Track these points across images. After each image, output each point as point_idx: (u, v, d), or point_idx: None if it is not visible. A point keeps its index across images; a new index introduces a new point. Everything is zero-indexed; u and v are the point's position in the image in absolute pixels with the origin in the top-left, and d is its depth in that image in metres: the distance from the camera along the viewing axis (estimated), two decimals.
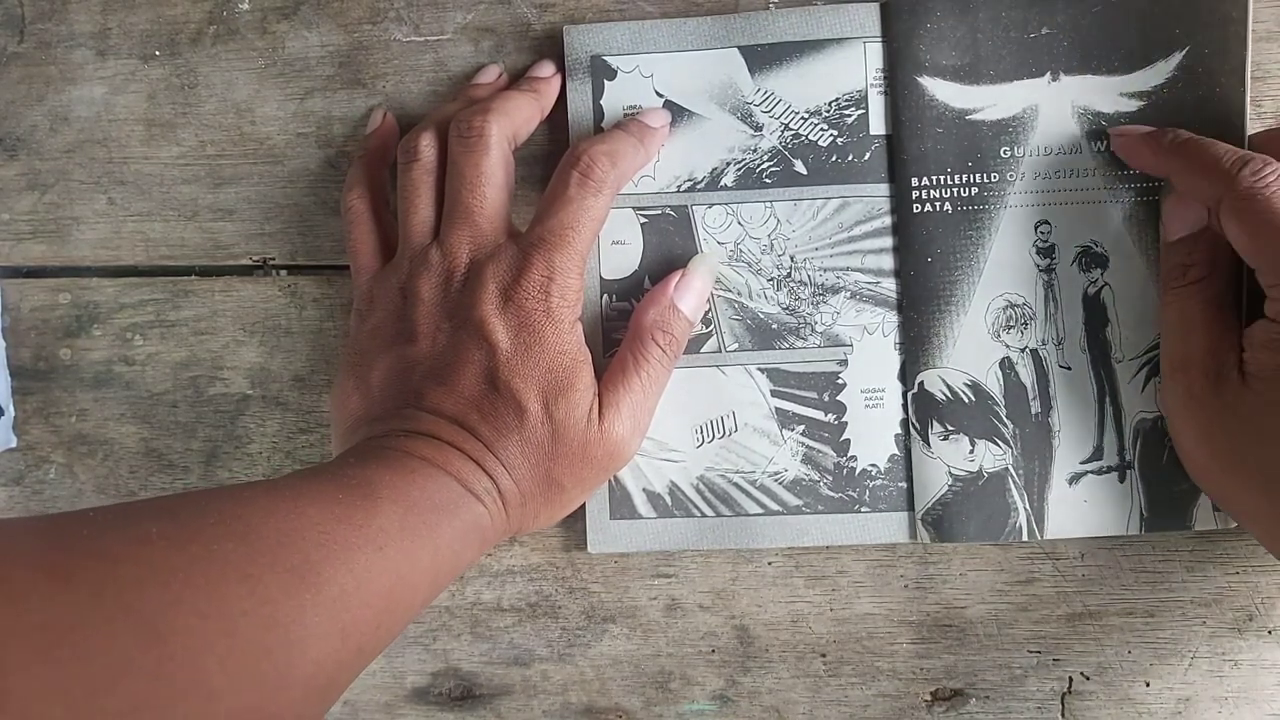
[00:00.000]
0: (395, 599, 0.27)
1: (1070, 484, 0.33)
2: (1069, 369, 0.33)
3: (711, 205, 0.34)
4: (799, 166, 0.34)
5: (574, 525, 0.35)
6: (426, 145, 0.32)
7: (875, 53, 0.33)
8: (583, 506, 0.34)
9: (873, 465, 0.34)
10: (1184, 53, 0.32)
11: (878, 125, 0.33)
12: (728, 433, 0.34)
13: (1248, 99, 0.32)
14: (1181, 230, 0.31)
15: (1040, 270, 0.33)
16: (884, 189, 0.33)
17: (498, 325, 0.31)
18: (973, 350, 0.33)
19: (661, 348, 0.32)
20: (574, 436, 0.31)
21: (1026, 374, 0.33)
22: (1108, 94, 0.32)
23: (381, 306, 0.32)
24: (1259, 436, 0.29)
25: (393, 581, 0.27)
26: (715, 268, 0.34)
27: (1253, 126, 0.32)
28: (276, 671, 0.23)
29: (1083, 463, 0.33)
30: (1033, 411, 0.33)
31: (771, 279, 0.34)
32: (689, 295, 0.33)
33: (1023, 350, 0.33)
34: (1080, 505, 0.33)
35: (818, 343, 0.34)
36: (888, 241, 0.33)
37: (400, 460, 0.29)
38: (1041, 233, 0.33)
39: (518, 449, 0.31)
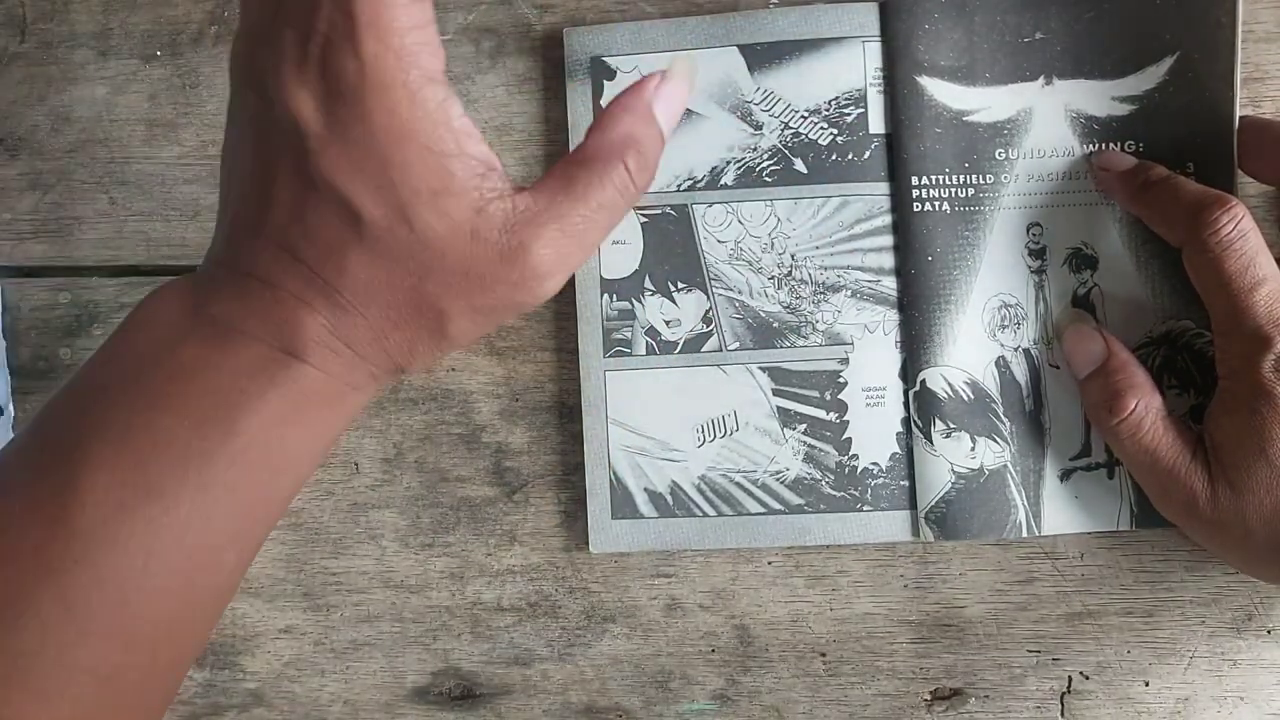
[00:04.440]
0: (138, 617, 0.24)
1: (1062, 480, 0.38)
2: (1058, 368, 0.38)
3: (712, 204, 0.39)
4: (799, 165, 0.38)
5: (574, 525, 0.40)
6: None
7: (874, 52, 0.38)
8: (584, 506, 0.39)
9: (874, 464, 0.38)
10: (1174, 58, 0.37)
11: (877, 124, 0.38)
12: (729, 432, 0.39)
13: (1236, 103, 0.36)
14: (1088, 365, 0.36)
15: (1032, 271, 0.38)
16: (884, 188, 0.38)
17: (301, 94, 0.24)
18: (971, 349, 0.38)
19: (630, 172, 0.27)
20: (457, 251, 0.25)
21: (1020, 373, 0.38)
22: (1100, 98, 0.37)
23: (231, 95, 0.29)
24: (1271, 516, 0.32)
25: (121, 597, 0.24)
26: (696, 69, 0.31)
27: None
28: None
29: (1072, 459, 0.38)
30: (1026, 409, 0.38)
31: (772, 277, 0.39)
32: (669, 104, 0.29)
33: (1016, 349, 0.38)
34: (1072, 502, 0.38)
35: (819, 341, 0.39)
36: (888, 240, 0.38)
37: (156, 360, 0.25)
38: (1033, 234, 0.38)
39: (361, 268, 0.25)
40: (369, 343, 0.26)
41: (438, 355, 0.28)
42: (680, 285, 0.39)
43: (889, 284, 0.38)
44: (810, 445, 0.38)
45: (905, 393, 0.38)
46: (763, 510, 0.38)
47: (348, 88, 0.24)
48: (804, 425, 0.38)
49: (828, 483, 0.38)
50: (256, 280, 0.26)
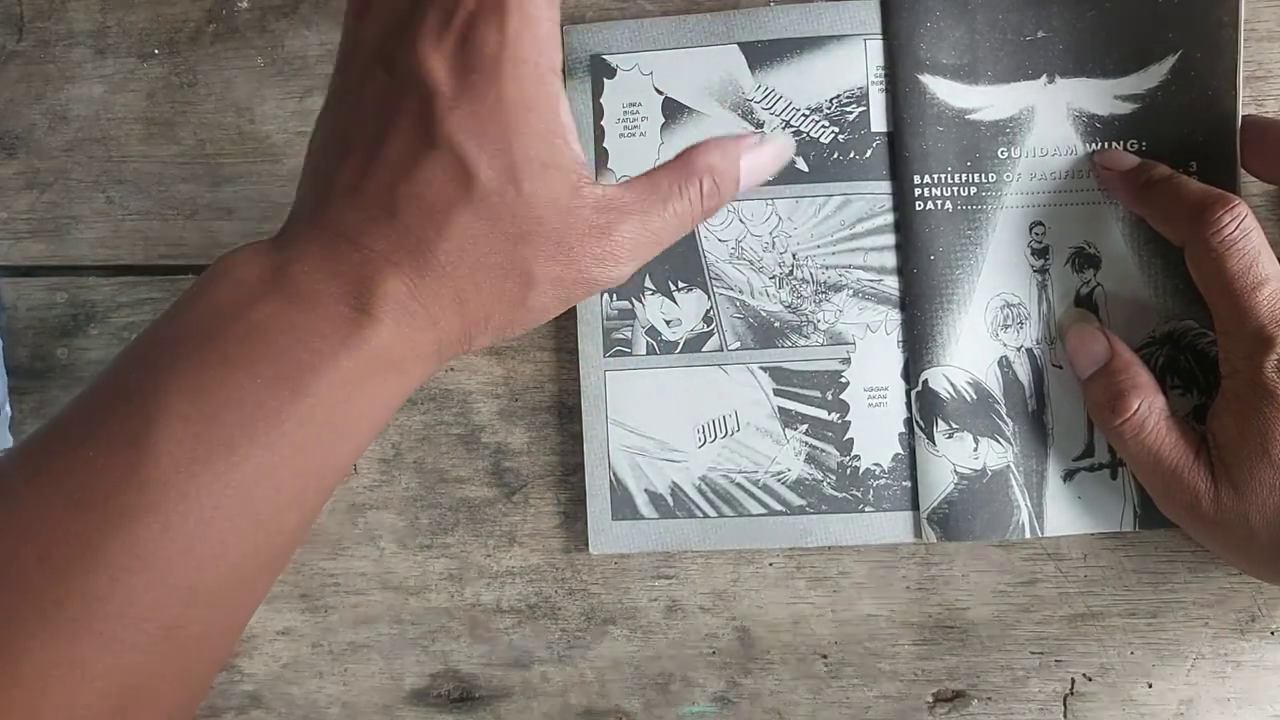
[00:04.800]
0: (203, 575, 0.24)
1: (1065, 481, 0.38)
2: (1060, 368, 0.38)
3: None
4: (800, 164, 0.38)
5: (574, 526, 0.40)
6: None
7: (876, 50, 0.38)
8: (584, 507, 0.39)
9: (876, 464, 0.38)
10: (1177, 56, 0.37)
11: (879, 122, 0.38)
12: (730, 432, 0.39)
13: (1239, 102, 0.36)
14: (1091, 366, 0.36)
15: (1035, 270, 0.38)
16: (885, 186, 0.38)
17: (436, 62, 0.27)
18: (973, 348, 0.38)
19: (703, 195, 0.31)
20: (553, 220, 0.28)
21: (1023, 372, 0.38)
22: (1102, 97, 0.37)
23: (337, 74, 0.30)
24: (1272, 516, 0.32)
25: (187, 549, 0.24)
26: (790, 153, 0.34)
27: None
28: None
29: (1075, 460, 0.38)
30: (1029, 409, 0.38)
31: (774, 277, 0.39)
32: (756, 163, 0.32)
33: (1019, 349, 0.38)
34: (1075, 502, 0.38)
35: (820, 341, 0.39)
36: (890, 239, 0.38)
37: (232, 316, 0.25)
38: (1036, 234, 0.38)
39: (462, 226, 0.27)
40: (448, 304, 0.28)
41: (508, 329, 0.29)
42: (681, 285, 0.39)
43: (891, 283, 0.38)
44: (812, 446, 0.38)
45: (907, 393, 0.38)
46: (764, 511, 0.38)
47: (485, 59, 0.27)
48: (805, 425, 0.38)
49: (829, 483, 0.38)
50: (345, 240, 0.27)
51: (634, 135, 0.38)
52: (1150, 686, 0.39)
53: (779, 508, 0.38)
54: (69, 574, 0.23)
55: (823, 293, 0.38)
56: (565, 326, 0.40)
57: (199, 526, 0.24)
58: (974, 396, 0.38)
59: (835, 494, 0.38)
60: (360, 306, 0.26)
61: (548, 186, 0.28)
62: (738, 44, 0.38)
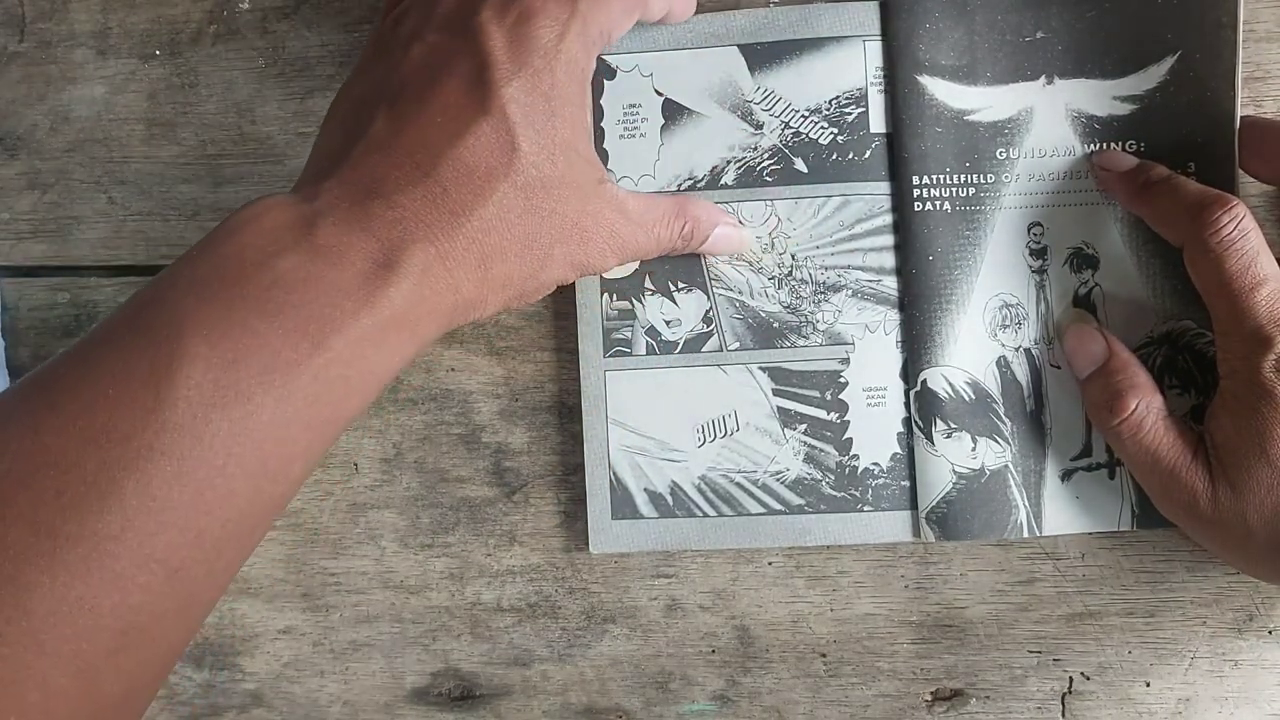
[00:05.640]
0: (215, 512, 0.25)
1: (1063, 481, 0.38)
2: (1058, 368, 0.38)
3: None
4: (799, 165, 0.38)
5: (574, 525, 0.40)
6: None
7: (875, 51, 0.38)
8: (584, 506, 0.39)
9: (875, 464, 0.38)
10: (1175, 57, 0.37)
11: (878, 123, 0.38)
12: (729, 432, 0.39)
13: (1238, 103, 0.36)
14: (1089, 366, 0.36)
15: (1033, 271, 0.38)
16: (884, 187, 0.38)
17: (496, 34, 0.29)
18: (972, 348, 0.38)
19: (682, 231, 0.35)
20: (576, 202, 0.30)
21: (1021, 372, 0.38)
22: (1101, 97, 0.37)
23: (373, 45, 0.31)
24: (1271, 516, 0.32)
25: (198, 493, 0.24)
26: (748, 243, 0.38)
27: None
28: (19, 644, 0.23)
29: (1073, 460, 0.38)
30: (1027, 409, 0.38)
31: (773, 277, 0.39)
32: (725, 234, 0.37)
33: (1017, 349, 0.38)
34: (1073, 502, 0.38)
35: (819, 341, 0.39)
36: (889, 240, 0.38)
37: (259, 264, 0.25)
38: (1034, 234, 0.38)
39: (499, 195, 0.28)
40: (472, 270, 0.28)
41: (517, 300, 0.31)
42: (680, 285, 0.39)
43: (890, 283, 0.38)
44: (811, 445, 0.38)
45: (906, 393, 0.38)
46: (763, 510, 0.38)
47: (544, 46, 0.29)
48: (804, 425, 0.38)
49: (828, 483, 0.38)
50: (377, 196, 0.27)
51: (634, 136, 0.39)
52: (1148, 685, 0.39)
53: (778, 507, 0.38)
54: (84, 511, 0.23)
55: (822, 293, 0.38)
56: (565, 326, 0.40)
57: (211, 472, 0.25)
58: (972, 396, 0.38)
59: (834, 493, 0.38)
60: (387, 265, 0.27)
61: (576, 172, 0.30)
62: (737, 45, 0.38)
